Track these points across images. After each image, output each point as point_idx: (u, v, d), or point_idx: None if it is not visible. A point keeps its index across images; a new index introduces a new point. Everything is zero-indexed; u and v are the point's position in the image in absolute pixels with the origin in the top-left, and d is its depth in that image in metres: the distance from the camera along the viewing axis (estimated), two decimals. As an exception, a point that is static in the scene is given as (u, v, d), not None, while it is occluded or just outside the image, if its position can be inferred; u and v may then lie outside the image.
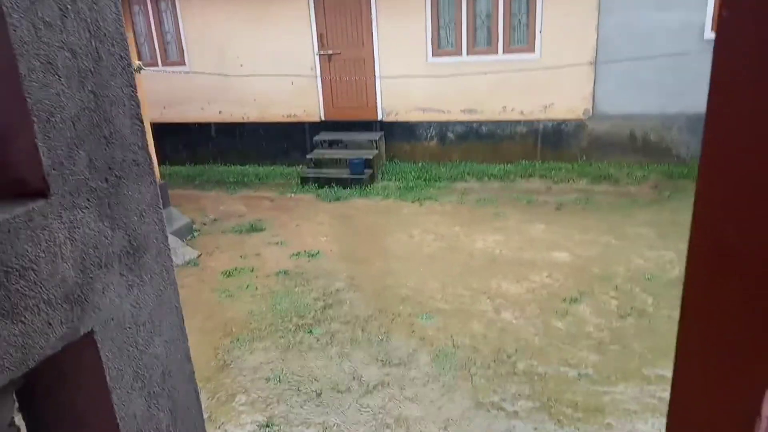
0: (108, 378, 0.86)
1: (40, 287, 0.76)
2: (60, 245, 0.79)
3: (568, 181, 8.07)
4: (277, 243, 6.65)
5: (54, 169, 0.81)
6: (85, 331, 0.83)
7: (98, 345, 0.84)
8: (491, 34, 8.53)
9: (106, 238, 0.87)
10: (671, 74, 7.81)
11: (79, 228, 0.82)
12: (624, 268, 5.55)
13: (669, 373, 3.92)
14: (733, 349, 0.63)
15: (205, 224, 7.34)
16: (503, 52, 8.53)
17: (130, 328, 0.90)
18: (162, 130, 8.39)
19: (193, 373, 1.06)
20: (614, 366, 4.12)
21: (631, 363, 4.14)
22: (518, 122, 8.77)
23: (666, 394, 3.73)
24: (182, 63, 9.62)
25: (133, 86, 0.98)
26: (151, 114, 6.69)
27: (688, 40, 7.69)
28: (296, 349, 4.52)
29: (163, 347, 0.97)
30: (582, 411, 3.68)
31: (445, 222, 7.00)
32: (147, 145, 1.00)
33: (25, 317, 0.75)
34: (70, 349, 0.84)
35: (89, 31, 0.90)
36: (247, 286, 5.61)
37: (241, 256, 6.32)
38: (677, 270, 5.39)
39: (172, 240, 6.17)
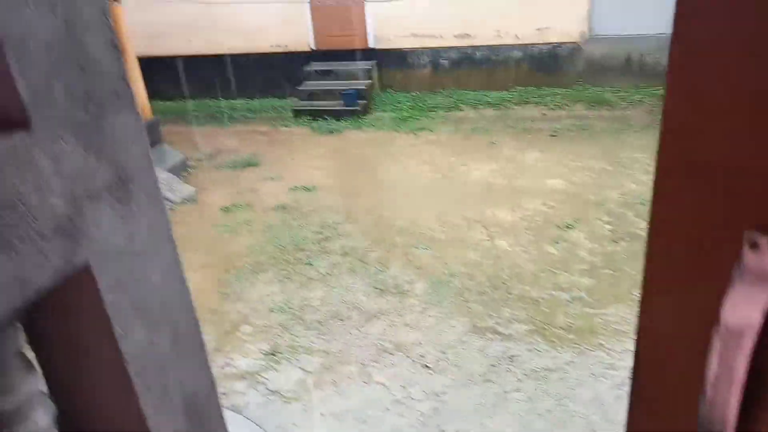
0: (108, 309, 0.88)
1: (32, 220, 0.77)
2: (47, 178, 0.78)
3: (564, 107, 7.97)
4: (272, 178, 6.63)
5: (33, 100, 0.80)
6: (81, 264, 0.84)
7: (95, 277, 0.86)
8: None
9: (93, 170, 0.87)
10: (671, -8, 7.53)
11: (64, 160, 0.82)
12: (618, 193, 5.58)
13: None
14: (695, 256, 0.65)
15: (199, 160, 7.29)
16: (498, -28, 8.20)
17: (125, 259, 0.92)
18: (150, 65, 8.13)
19: (191, 301, 1.09)
20: (606, 289, 4.22)
21: (622, 285, 4.24)
22: (513, 47, 8.56)
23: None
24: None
25: (106, 14, 0.94)
26: (136, 47, 6.48)
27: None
28: (297, 281, 4.61)
29: (160, 277, 0.99)
30: (574, 333, 3.81)
31: (440, 152, 6.96)
32: (126, 75, 0.97)
33: (19, 250, 0.76)
34: (68, 281, 0.85)
35: (57, -46, 0.86)
36: (246, 221, 5.65)
37: (238, 192, 6.32)
38: (671, 193, 5.42)
39: (168, 177, 6.15)
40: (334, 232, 5.35)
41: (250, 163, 7.05)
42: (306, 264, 4.84)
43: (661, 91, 7.86)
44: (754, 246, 0.57)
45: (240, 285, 4.61)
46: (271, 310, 4.26)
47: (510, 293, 4.27)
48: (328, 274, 4.68)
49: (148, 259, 0.96)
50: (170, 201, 5.83)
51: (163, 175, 6.01)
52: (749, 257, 0.57)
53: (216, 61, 9.48)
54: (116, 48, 0.94)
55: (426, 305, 4.22)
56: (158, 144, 6.62)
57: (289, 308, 4.27)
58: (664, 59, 7.66)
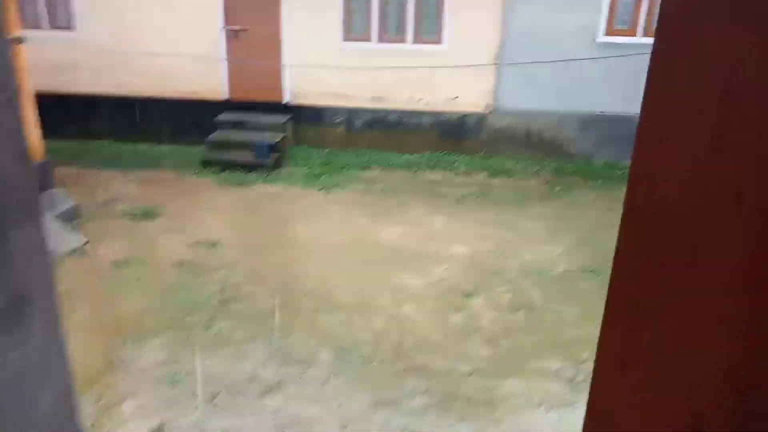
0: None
1: None
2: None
3: (469, 174, 8.37)
4: (173, 230, 6.33)
5: None
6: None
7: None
8: (401, 23, 8.60)
9: (-17, 298, 0.78)
10: (566, 75, 8.29)
11: (-51, 291, 0.73)
12: (516, 263, 5.86)
13: (554, 366, 4.21)
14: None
15: (94, 207, 6.82)
16: (413, 42, 8.63)
17: (10, 392, 0.82)
18: (48, 101, 7.59)
19: (81, 428, 0.99)
20: (504, 360, 4.36)
21: (519, 357, 4.40)
22: (424, 113, 8.94)
23: (551, 387, 4.02)
24: (71, 28, 8.80)
25: (18, 120, 0.88)
26: (35, 82, 6.05)
27: (582, 43, 8.20)
28: (192, 348, 4.35)
29: (49, 406, 0.89)
30: (475, 405, 3.87)
31: (351, 212, 7.02)
32: (35, 184, 0.90)
33: None
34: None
35: (-36, 60, 0.79)
36: (140, 278, 5.31)
37: (133, 245, 5.95)
38: (564, 265, 5.78)
39: (56, 225, 5.69)
40: (237, 292, 5.16)
41: (149, 214, 6.70)
42: (204, 328, 4.60)
43: (556, 164, 8.51)
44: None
45: (127, 351, 4.27)
46: (161, 381, 3.98)
47: (414, 364, 4.29)
48: (226, 340, 4.47)
49: (38, 388, 0.87)
50: (56, 252, 5.37)
51: (50, 224, 5.55)
52: None
53: (123, 102, 9.06)
54: (27, 158, 0.88)
55: (329, 375, 4.13)
56: (49, 188, 6.14)
57: (181, 379, 4.01)
58: (560, 135, 8.35)
